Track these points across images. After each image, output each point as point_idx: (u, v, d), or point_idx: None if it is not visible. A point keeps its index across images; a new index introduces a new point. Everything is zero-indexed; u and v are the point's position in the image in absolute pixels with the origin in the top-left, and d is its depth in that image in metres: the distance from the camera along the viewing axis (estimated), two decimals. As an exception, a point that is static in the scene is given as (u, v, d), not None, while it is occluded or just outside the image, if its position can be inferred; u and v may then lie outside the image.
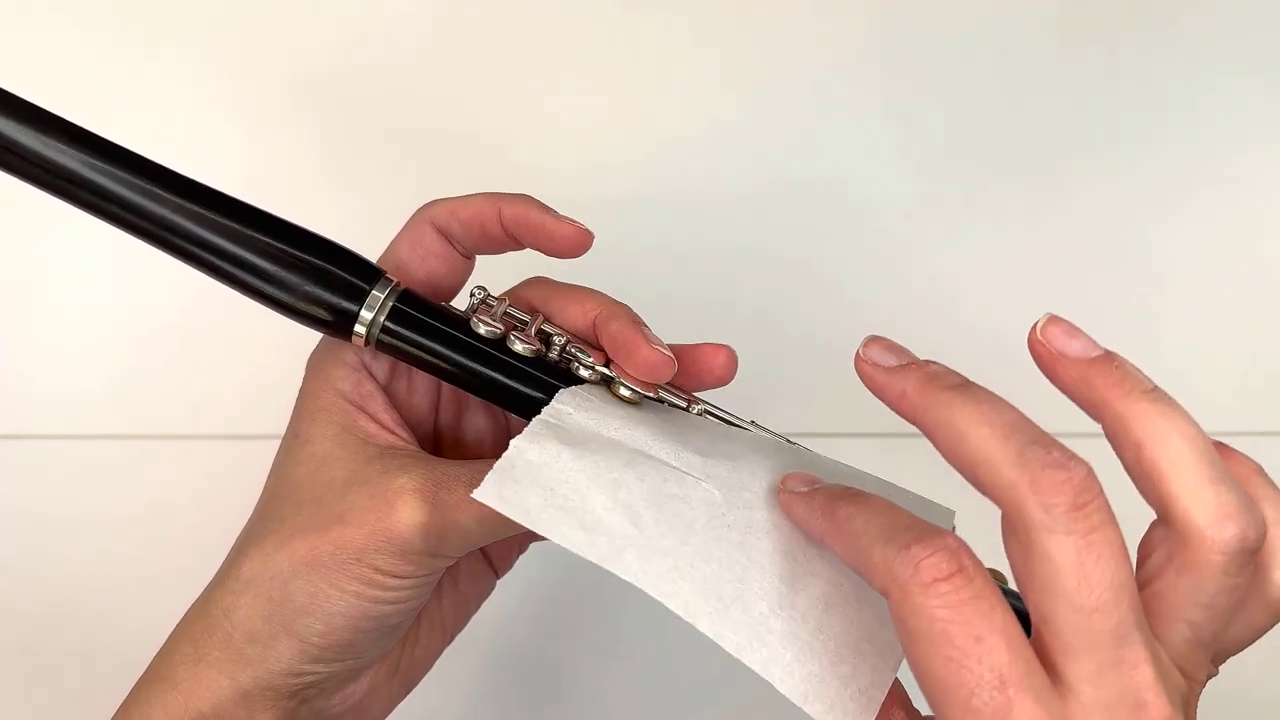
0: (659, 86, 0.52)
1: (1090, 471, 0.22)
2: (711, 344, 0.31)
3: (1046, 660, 0.22)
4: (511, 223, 0.31)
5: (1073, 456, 0.22)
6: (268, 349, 0.47)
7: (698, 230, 0.51)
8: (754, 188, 0.51)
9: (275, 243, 0.30)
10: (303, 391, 0.32)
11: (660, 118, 0.52)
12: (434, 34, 0.52)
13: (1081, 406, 0.25)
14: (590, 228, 0.31)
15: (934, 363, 0.25)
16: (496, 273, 0.34)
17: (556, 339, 0.31)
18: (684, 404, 0.32)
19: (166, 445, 0.49)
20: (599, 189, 0.51)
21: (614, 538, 0.25)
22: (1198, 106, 0.53)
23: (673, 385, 0.32)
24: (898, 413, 0.25)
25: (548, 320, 0.32)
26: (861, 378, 0.26)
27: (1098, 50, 0.53)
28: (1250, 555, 0.23)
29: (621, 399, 0.30)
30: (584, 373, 0.31)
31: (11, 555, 0.48)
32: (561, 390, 0.29)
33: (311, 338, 0.32)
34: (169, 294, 0.49)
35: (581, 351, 0.31)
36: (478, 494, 0.25)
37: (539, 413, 0.29)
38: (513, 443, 0.26)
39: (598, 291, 0.32)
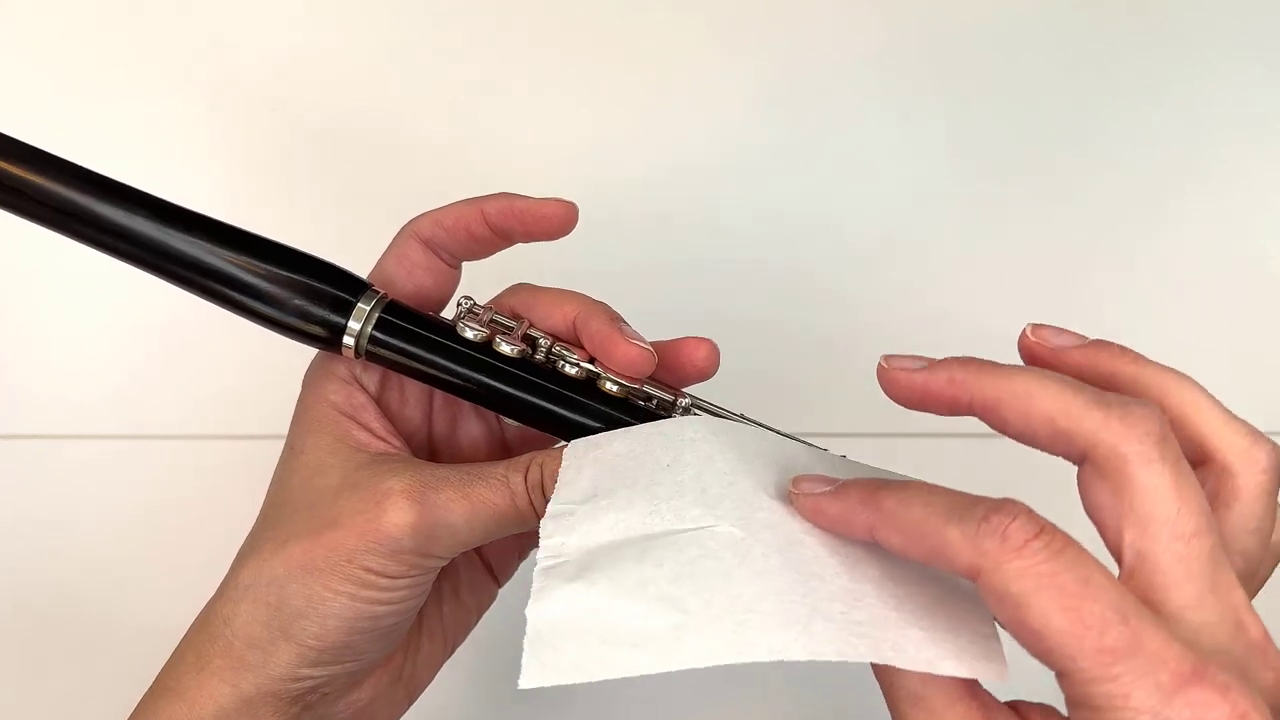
0: (659, 90, 0.52)
1: (1160, 409, 0.23)
2: (694, 338, 0.32)
3: (1143, 599, 0.22)
4: (496, 217, 0.32)
5: (1144, 399, 0.23)
6: (266, 350, 0.47)
7: (697, 232, 0.51)
8: (755, 188, 0.51)
9: (263, 263, 0.30)
10: (298, 406, 0.32)
11: (659, 120, 0.52)
12: (430, 45, 0.51)
13: (1094, 383, 0.25)
14: (573, 201, 0.32)
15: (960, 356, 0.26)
16: (483, 285, 0.34)
17: (542, 341, 0.32)
18: (670, 398, 0.32)
19: (166, 445, 0.49)
20: (600, 191, 0.50)
21: (666, 636, 0.24)
22: (1198, 107, 0.53)
23: (657, 380, 0.32)
24: (948, 399, 0.25)
25: (533, 325, 0.32)
26: (894, 384, 0.26)
27: (1098, 50, 0.53)
28: None
29: (608, 393, 0.31)
30: (570, 370, 0.31)
31: (12, 555, 0.48)
32: (545, 519, 0.27)
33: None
34: (168, 295, 0.48)
35: (567, 349, 0.31)
36: (523, 683, 0.23)
37: (534, 416, 0.29)
38: (528, 612, 0.25)
39: (577, 293, 0.32)
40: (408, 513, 0.28)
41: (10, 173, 0.29)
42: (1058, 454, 0.24)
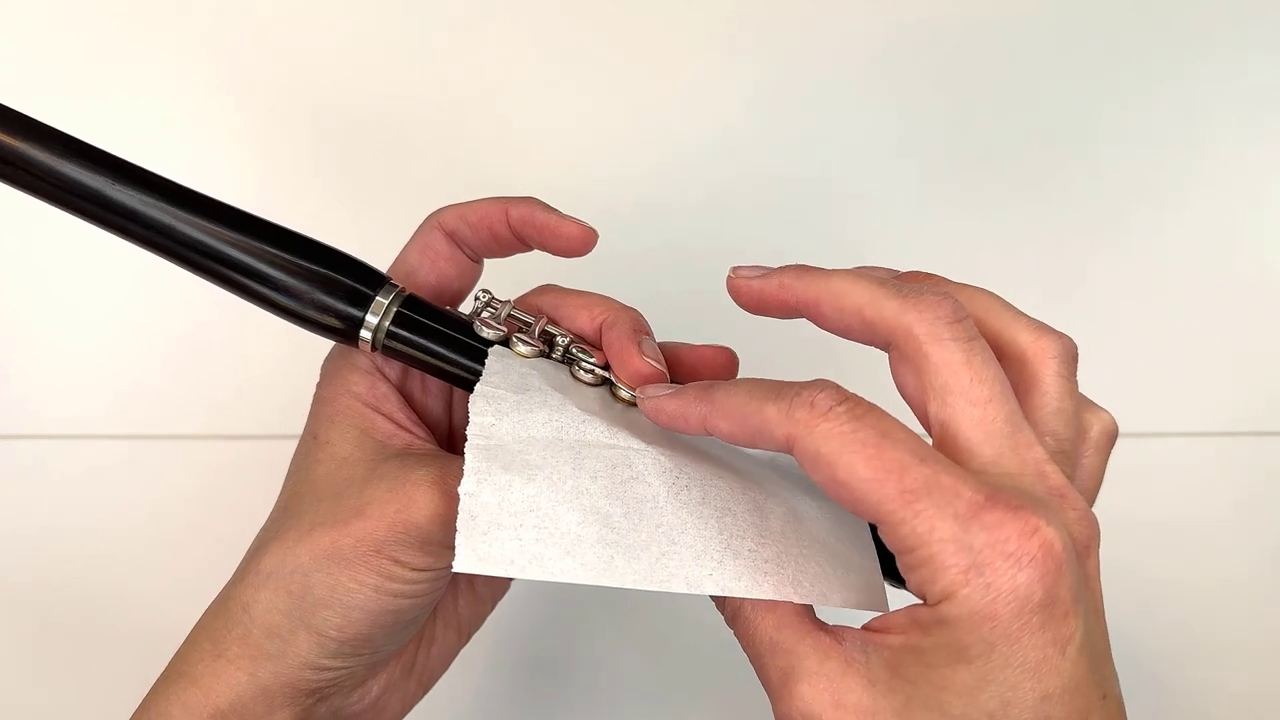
0: (662, 88, 0.52)
1: (958, 300, 0.25)
2: (714, 346, 0.32)
3: None
4: (518, 223, 0.32)
5: (940, 289, 0.26)
6: (268, 350, 0.48)
7: (700, 229, 0.51)
8: (756, 188, 0.52)
9: (283, 253, 0.30)
10: (318, 396, 0.32)
11: (663, 119, 0.52)
12: (440, 42, 0.52)
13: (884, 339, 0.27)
14: (594, 227, 0.32)
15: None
16: (506, 280, 0.34)
17: (560, 339, 0.32)
18: None
19: (169, 446, 0.49)
20: (604, 190, 0.51)
21: (597, 551, 0.25)
22: (1197, 106, 0.53)
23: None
24: (778, 302, 0.28)
25: (552, 322, 0.32)
26: (737, 290, 0.29)
27: (1097, 49, 0.53)
28: (1074, 359, 0.27)
29: (620, 399, 0.31)
30: (584, 375, 0.31)
31: (14, 555, 0.48)
32: (474, 397, 0.28)
33: (313, 338, 0.32)
34: (171, 295, 0.49)
35: (584, 352, 0.31)
36: (458, 566, 0.24)
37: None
38: (461, 490, 0.26)
39: (607, 298, 0.32)
40: (436, 504, 0.28)
41: (27, 153, 0.28)
42: (871, 343, 0.26)
